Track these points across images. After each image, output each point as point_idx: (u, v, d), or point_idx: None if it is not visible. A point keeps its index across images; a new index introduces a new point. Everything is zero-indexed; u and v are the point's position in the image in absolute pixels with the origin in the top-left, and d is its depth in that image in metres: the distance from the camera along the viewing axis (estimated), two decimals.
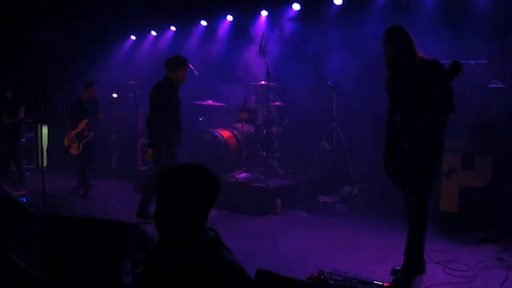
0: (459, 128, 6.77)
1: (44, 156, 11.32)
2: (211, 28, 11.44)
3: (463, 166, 6.93)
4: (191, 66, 7.59)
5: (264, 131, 8.98)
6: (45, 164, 11.24)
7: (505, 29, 7.15)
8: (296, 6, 9.91)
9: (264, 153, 8.84)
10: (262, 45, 8.30)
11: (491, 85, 6.97)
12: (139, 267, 3.23)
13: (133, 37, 13.10)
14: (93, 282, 3.14)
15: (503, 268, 5.37)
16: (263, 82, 9.06)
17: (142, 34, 12.88)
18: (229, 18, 11.11)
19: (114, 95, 10.17)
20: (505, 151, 6.80)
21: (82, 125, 9.47)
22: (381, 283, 4.17)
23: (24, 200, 7.82)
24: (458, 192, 6.90)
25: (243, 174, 8.74)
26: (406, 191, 5.07)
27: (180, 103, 7.43)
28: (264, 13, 10.52)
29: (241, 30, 10.87)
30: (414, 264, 5.01)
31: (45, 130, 11.93)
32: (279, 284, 2.43)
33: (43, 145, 11.55)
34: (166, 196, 2.45)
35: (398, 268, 5.06)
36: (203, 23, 11.53)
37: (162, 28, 12.39)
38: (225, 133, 9.23)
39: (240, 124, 9.44)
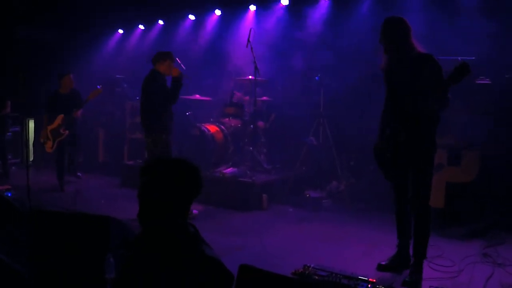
0: (446, 123, 6.78)
1: (29, 150, 11.28)
2: (199, 22, 11.41)
3: (449, 162, 6.93)
4: (178, 60, 7.53)
5: (251, 126, 8.96)
6: (30, 159, 11.21)
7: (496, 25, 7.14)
8: (284, 1, 9.88)
9: (251, 148, 8.82)
10: (250, 40, 8.27)
11: (478, 81, 6.98)
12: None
13: (120, 31, 13.02)
14: (77, 277, 3.12)
15: (488, 264, 5.40)
16: (250, 77, 9.02)
17: (130, 28, 12.80)
18: (217, 12, 11.07)
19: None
20: (491, 146, 6.82)
21: (58, 120, 9.13)
22: (366, 278, 4.18)
23: (9, 194, 7.74)
24: (445, 188, 6.91)
25: (230, 169, 8.71)
26: (399, 183, 5.09)
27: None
28: (252, 7, 10.49)
29: (229, 24, 10.83)
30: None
31: (31, 124, 11.81)
32: (262, 279, 2.42)
33: (29, 139, 11.48)
34: (147, 189, 2.44)
35: (384, 263, 5.06)
36: (191, 17, 11.49)
37: (150, 22, 12.32)
38: (212, 128, 9.16)
39: (227, 118, 9.40)
